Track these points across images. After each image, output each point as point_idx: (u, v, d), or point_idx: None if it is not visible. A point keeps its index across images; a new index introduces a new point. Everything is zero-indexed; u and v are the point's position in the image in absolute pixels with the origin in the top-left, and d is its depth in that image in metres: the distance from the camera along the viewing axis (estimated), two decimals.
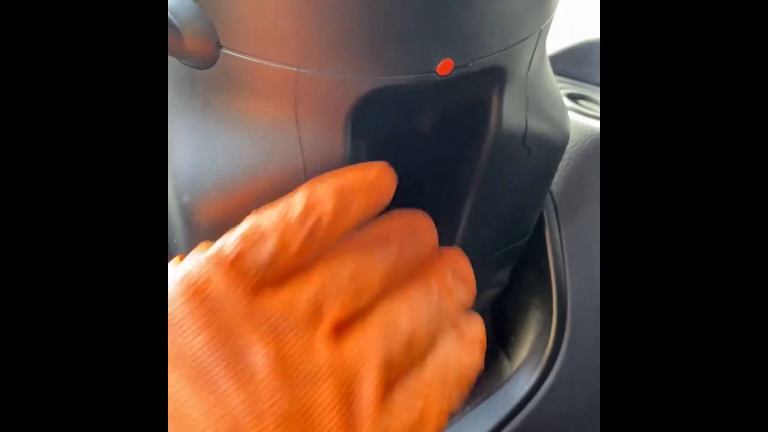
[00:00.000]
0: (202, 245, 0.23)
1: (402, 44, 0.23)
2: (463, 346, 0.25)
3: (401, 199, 0.41)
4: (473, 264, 0.36)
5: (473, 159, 0.29)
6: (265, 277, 0.22)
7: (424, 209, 0.38)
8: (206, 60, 0.24)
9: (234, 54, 0.23)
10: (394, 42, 0.22)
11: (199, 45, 0.23)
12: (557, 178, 0.40)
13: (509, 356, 0.45)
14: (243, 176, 0.25)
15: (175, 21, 0.23)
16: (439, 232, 0.36)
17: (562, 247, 0.39)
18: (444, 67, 0.23)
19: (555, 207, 0.41)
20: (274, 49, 0.23)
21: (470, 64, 0.24)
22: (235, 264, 0.22)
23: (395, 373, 0.22)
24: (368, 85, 0.23)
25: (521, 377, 0.41)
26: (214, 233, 0.27)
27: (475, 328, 0.27)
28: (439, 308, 0.25)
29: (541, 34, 0.27)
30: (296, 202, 0.23)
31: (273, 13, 0.22)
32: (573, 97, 0.49)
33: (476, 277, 0.38)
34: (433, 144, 0.32)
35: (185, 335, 0.21)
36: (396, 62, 0.23)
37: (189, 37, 0.23)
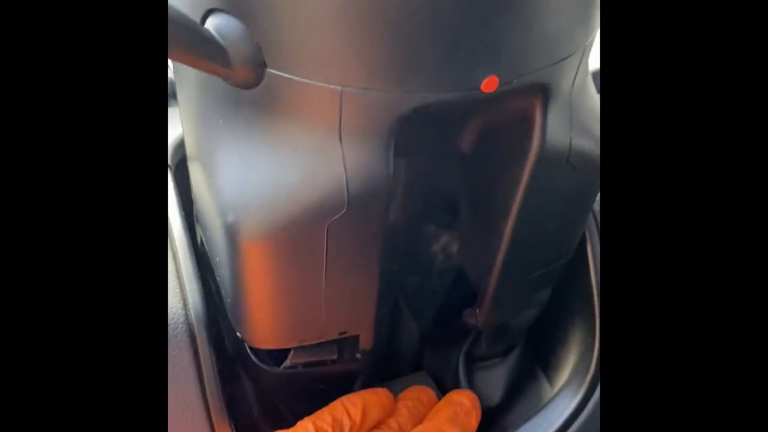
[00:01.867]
0: None
1: (447, 61, 0.22)
2: None
3: (441, 218, 0.41)
4: (514, 284, 0.35)
5: (516, 177, 0.29)
6: None
7: (465, 229, 0.38)
8: (251, 80, 0.24)
9: (279, 74, 0.23)
10: (440, 59, 0.22)
11: (245, 66, 0.23)
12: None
13: (549, 378, 0.44)
14: (286, 196, 0.25)
15: (222, 42, 0.23)
16: (480, 253, 0.36)
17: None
18: (489, 84, 0.23)
19: (597, 224, 0.40)
20: (319, 68, 0.23)
21: (515, 81, 0.24)
22: None
23: None
24: (412, 102, 0.23)
25: (562, 401, 0.40)
26: (258, 252, 0.27)
27: None
28: None
29: (585, 51, 0.27)
30: None
31: (318, 34, 0.22)
32: None
33: (516, 298, 0.38)
34: (476, 163, 0.32)
35: None
36: (441, 79, 0.23)
37: (235, 58, 0.23)
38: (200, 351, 0.33)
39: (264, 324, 0.31)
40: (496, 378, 0.46)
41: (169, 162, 0.40)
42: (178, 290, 0.34)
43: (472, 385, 0.45)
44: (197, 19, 0.24)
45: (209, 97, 0.27)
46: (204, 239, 0.35)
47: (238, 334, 0.33)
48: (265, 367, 0.34)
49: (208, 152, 0.27)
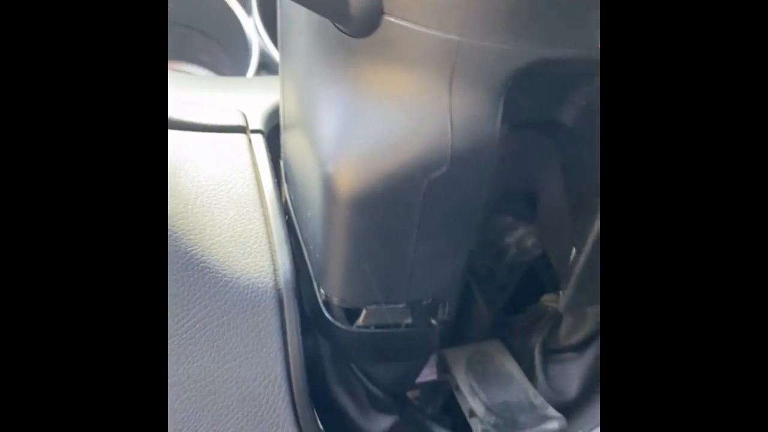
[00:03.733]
0: None
1: (569, 17, 0.22)
2: None
3: (518, 208, 0.40)
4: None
5: None
6: None
7: (550, 211, 0.37)
8: (367, 27, 0.24)
9: (396, 21, 0.23)
10: (562, 13, 0.22)
11: (364, 10, 0.23)
12: None
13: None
14: (389, 146, 0.25)
15: None
16: (566, 234, 0.35)
17: None
18: None
19: None
20: (438, 16, 0.22)
21: None
22: None
23: None
24: (528, 57, 0.23)
25: None
26: (354, 204, 0.27)
27: None
28: None
29: None
30: None
31: None
32: None
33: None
34: (575, 136, 0.31)
35: None
36: (560, 34, 0.22)
37: (354, 2, 0.23)
38: (287, 317, 0.33)
39: (350, 279, 0.31)
40: (572, 372, 0.45)
41: (262, 128, 0.40)
42: (268, 255, 0.34)
43: (547, 378, 0.43)
44: None
45: (318, 47, 0.26)
46: (292, 199, 0.35)
47: (321, 290, 0.33)
48: (339, 325, 0.34)
49: (313, 103, 0.27)
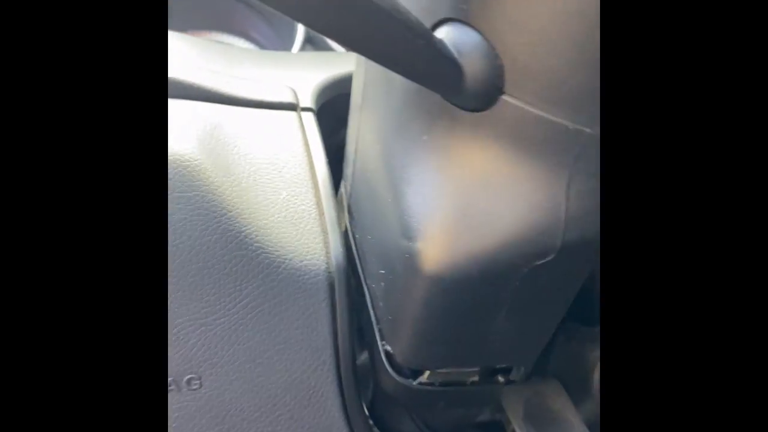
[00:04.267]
0: None
1: None
2: None
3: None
4: None
5: None
6: None
7: None
8: (481, 104, 0.21)
9: (519, 104, 0.20)
10: None
11: (479, 88, 0.20)
12: None
13: None
14: (490, 229, 0.23)
15: (456, 56, 0.20)
16: None
17: None
18: None
19: None
20: (567, 106, 0.20)
21: None
22: None
23: None
24: None
25: None
26: (440, 282, 0.25)
27: None
28: None
29: None
30: None
31: (579, 67, 0.19)
32: None
33: None
34: None
35: None
36: None
37: (470, 77, 0.20)
38: (337, 301, 0.33)
39: (422, 346, 0.29)
40: None
41: (313, 106, 0.39)
42: (320, 237, 0.34)
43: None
44: (428, 26, 0.21)
45: (415, 107, 0.24)
46: (356, 237, 0.33)
47: (384, 344, 0.31)
48: (399, 379, 0.32)
49: (403, 166, 0.25)
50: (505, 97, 0.21)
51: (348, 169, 0.34)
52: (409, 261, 0.25)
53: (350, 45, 0.19)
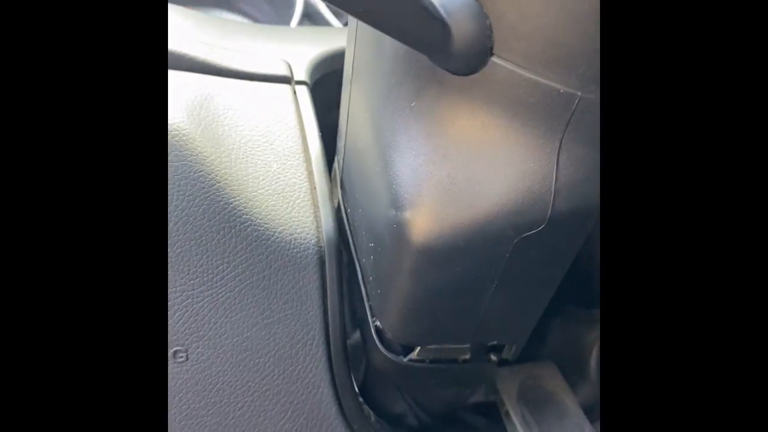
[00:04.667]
0: None
1: None
2: None
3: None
4: None
5: None
6: None
7: None
8: (470, 66, 0.20)
9: (507, 66, 0.20)
10: None
11: (468, 49, 0.20)
12: None
13: None
14: (478, 198, 0.22)
15: (444, 16, 0.19)
16: None
17: None
18: None
19: None
20: (560, 67, 0.19)
21: None
22: None
23: None
24: None
25: None
26: (429, 253, 0.24)
27: None
28: None
29: None
30: None
31: (573, 28, 0.18)
32: None
33: None
34: None
35: None
36: None
37: (458, 38, 0.19)
38: (327, 276, 0.32)
39: (412, 321, 0.28)
40: None
41: (307, 80, 0.39)
42: (311, 211, 0.33)
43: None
44: None
45: (403, 73, 0.23)
46: (348, 211, 0.33)
47: (375, 320, 0.31)
48: (390, 355, 0.32)
49: (391, 134, 0.24)
50: (494, 59, 0.20)
51: (340, 143, 0.34)
52: (397, 231, 0.24)
53: (339, 2, 0.18)
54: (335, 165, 0.36)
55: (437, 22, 0.19)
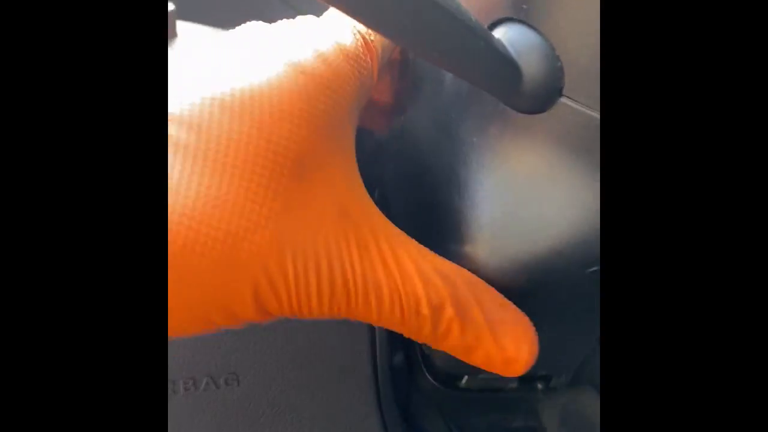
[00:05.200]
0: None
1: None
2: None
3: None
4: None
5: None
6: None
7: None
8: (538, 106, 0.20)
9: (576, 106, 0.20)
10: None
11: (538, 89, 0.20)
12: None
13: None
14: (542, 231, 0.22)
15: (516, 58, 0.19)
16: None
17: None
18: None
19: None
20: None
21: None
22: None
23: None
24: None
25: None
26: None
27: None
28: None
29: None
30: None
31: None
32: None
33: None
34: None
35: None
36: None
37: (528, 78, 0.20)
38: None
39: None
40: None
41: None
42: None
43: None
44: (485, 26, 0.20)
45: (465, 109, 0.23)
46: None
47: (425, 348, 0.31)
48: (435, 382, 0.31)
49: (449, 167, 0.24)
50: (563, 99, 0.20)
51: (385, 172, 0.34)
52: (456, 262, 0.24)
53: (409, 45, 0.18)
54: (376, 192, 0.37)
55: (509, 63, 0.19)
